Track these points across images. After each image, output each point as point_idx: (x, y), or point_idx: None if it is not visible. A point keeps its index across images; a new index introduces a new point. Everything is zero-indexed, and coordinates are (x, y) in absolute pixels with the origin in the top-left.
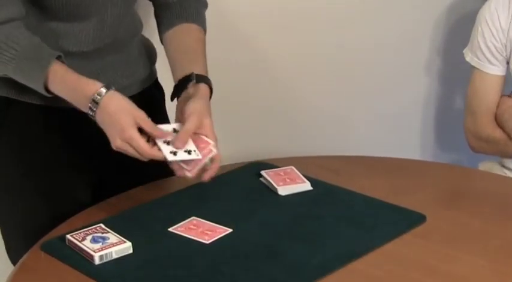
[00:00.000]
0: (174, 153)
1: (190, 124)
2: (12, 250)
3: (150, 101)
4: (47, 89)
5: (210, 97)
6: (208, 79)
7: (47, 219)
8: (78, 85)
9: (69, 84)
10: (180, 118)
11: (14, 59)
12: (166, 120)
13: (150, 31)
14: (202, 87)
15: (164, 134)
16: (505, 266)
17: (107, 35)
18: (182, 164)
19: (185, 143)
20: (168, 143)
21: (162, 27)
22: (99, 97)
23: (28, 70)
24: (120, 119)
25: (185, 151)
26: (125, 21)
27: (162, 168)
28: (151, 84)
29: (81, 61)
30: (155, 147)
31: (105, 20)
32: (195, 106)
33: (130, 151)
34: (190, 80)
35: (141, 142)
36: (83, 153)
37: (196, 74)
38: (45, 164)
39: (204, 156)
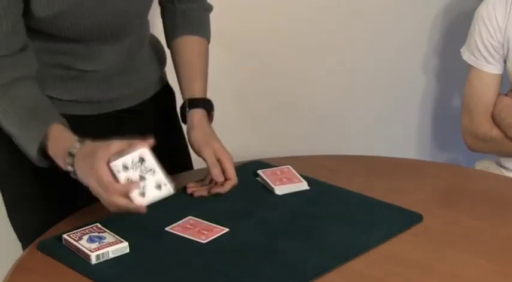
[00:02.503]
0: (143, 194)
1: (210, 158)
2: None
3: (161, 105)
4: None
5: (211, 116)
6: (204, 101)
7: (52, 222)
8: (61, 141)
9: (56, 143)
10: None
11: (17, 122)
12: (178, 123)
13: (159, 29)
14: (196, 114)
15: (125, 187)
16: (502, 265)
17: (126, 56)
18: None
19: (221, 176)
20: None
21: (167, 35)
22: (74, 150)
23: (26, 135)
24: (91, 157)
25: (155, 187)
26: (133, 38)
27: (179, 161)
28: (162, 88)
29: (96, 73)
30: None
31: (125, 45)
32: (196, 139)
33: (99, 191)
34: (185, 109)
35: (106, 176)
36: None
37: (191, 99)
38: (58, 174)
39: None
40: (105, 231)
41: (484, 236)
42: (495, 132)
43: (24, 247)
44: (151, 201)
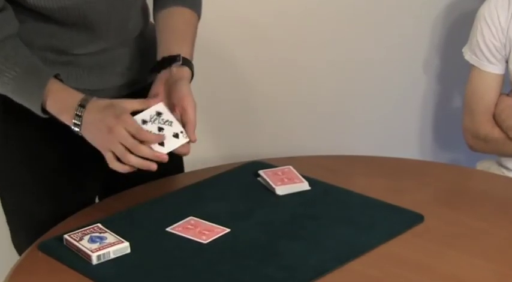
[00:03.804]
0: (162, 144)
1: (192, 114)
2: (19, 247)
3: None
4: (44, 110)
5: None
6: (191, 64)
7: (52, 218)
8: (66, 94)
9: (58, 94)
10: (158, 90)
11: (14, 80)
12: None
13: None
14: (186, 71)
15: (150, 136)
16: (503, 266)
17: (113, 37)
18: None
19: (194, 134)
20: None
21: (156, 7)
22: (85, 102)
23: (26, 91)
24: (112, 108)
25: (173, 136)
26: (130, 22)
27: (170, 163)
28: None
29: (88, 58)
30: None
31: (110, 27)
32: (187, 92)
33: (126, 138)
34: (176, 61)
35: (136, 123)
36: (92, 150)
37: (184, 57)
38: (52, 162)
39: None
40: (106, 232)
41: (485, 237)
42: (496, 132)
43: (11, 230)
44: (171, 150)
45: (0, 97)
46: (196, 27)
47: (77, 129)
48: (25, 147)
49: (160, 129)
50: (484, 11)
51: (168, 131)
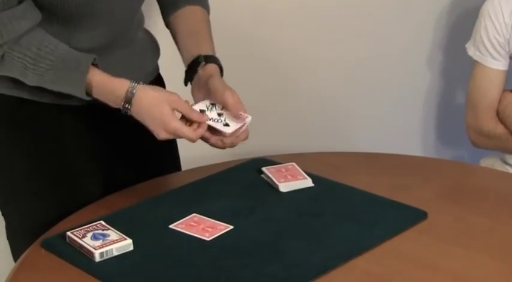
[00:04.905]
0: (227, 125)
1: (232, 98)
2: (18, 252)
3: None
4: (87, 93)
5: (222, 75)
6: (217, 58)
7: (56, 218)
8: (110, 86)
9: (103, 87)
10: (200, 98)
11: (51, 69)
12: None
13: (149, 23)
14: (213, 67)
15: (200, 116)
16: (507, 263)
17: (118, 31)
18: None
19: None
20: (210, 119)
21: (165, 11)
22: (131, 95)
23: (67, 78)
24: (158, 112)
25: (226, 123)
26: (135, 15)
27: (167, 162)
28: (154, 79)
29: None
30: (195, 127)
31: (116, 15)
32: (219, 86)
33: (178, 137)
34: (199, 63)
35: (185, 130)
36: (94, 152)
37: (204, 56)
38: (58, 164)
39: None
40: (109, 229)
41: (489, 234)
42: (500, 129)
43: (9, 231)
44: (235, 129)
45: (7, 100)
46: (209, 22)
47: (126, 111)
48: (28, 151)
49: (220, 114)
50: (488, 7)
51: (227, 115)
